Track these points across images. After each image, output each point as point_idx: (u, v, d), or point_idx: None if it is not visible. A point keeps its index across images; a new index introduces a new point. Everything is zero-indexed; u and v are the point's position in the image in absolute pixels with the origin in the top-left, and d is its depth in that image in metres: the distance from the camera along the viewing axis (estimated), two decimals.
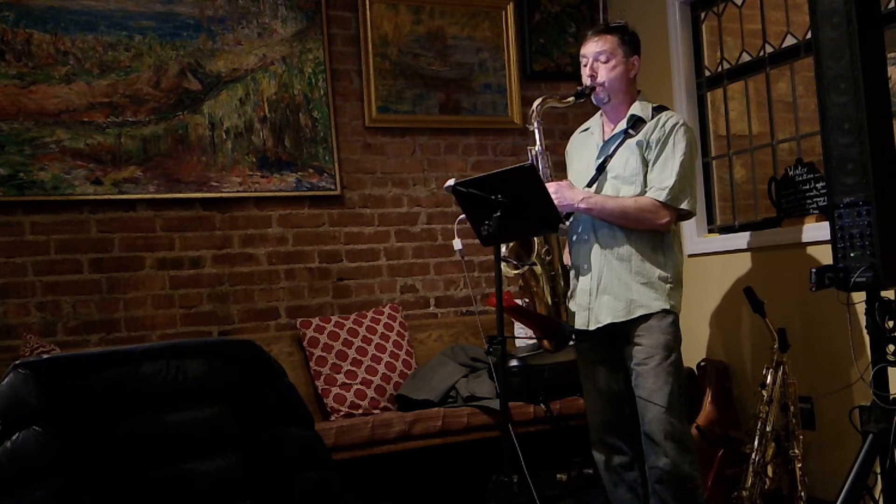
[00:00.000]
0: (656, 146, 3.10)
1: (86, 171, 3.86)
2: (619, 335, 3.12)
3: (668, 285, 3.10)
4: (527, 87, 4.78)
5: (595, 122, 3.34)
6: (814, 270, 2.83)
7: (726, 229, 4.25)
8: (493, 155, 4.69)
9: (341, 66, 4.39)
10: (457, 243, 3.28)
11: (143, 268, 3.96)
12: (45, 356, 2.47)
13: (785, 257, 3.80)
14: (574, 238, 3.23)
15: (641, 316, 3.07)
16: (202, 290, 4.06)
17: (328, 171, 4.30)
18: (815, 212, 3.72)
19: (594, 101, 3.22)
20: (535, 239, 3.12)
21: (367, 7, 4.41)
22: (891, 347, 2.79)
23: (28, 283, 3.76)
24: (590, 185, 3.18)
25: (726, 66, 4.29)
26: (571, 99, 3.19)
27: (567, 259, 3.27)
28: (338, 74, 4.37)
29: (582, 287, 3.17)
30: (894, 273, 2.75)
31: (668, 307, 3.09)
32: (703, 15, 4.41)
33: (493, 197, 2.86)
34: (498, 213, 2.83)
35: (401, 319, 4.23)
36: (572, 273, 3.23)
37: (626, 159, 3.13)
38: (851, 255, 2.77)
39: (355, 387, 3.91)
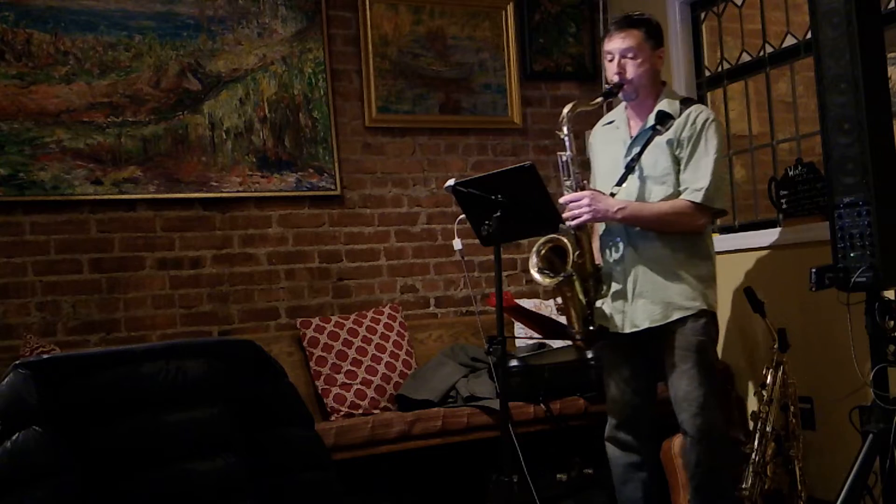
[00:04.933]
0: (688, 144, 3.04)
1: (86, 171, 3.86)
2: (653, 337, 3.09)
3: (704, 284, 3.07)
4: (527, 87, 4.78)
5: (619, 115, 3.27)
6: (814, 270, 2.83)
7: (726, 229, 4.25)
8: (493, 155, 4.69)
9: (341, 66, 4.39)
10: (457, 243, 3.28)
11: (143, 268, 3.96)
12: (45, 356, 2.47)
13: (785, 257, 3.80)
14: (607, 241, 3.19)
15: (677, 319, 3.04)
16: (202, 290, 4.06)
17: (328, 171, 4.30)
18: (814, 212, 3.72)
19: (621, 98, 3.17)
20: (569, 244, 3.05)
21: (367, 7, 4.40)
22: (891, 347, 2.79)
23: (28, 283, 3.76)
24: (619, 184, 3.11)
25: (726, 66, 4.29)
26: (600, 99, 3.14)
27: (598, 259, 3.23)
28: (338, 74, 4.37)
29: (617, 290, 3.12)
30: (894, 273, 2.75)
31: (704, 307, 3.06)
32: (703, 15, 4.41)
33: (493, 197, 2.86)
34: (498, 213, 2.83)
35: (401, 319, 4.22)
36: (605, 275, 3.17)
37: (655, 158, 3.08)
38: (851, 255, 2.77)
39: (355, 387, 3.91)
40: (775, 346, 3.55)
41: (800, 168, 3.79)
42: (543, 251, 3.11)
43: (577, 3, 4.89)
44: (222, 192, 4.10)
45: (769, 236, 3.91)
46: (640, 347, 3.15)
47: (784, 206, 3.86)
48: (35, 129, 3.79)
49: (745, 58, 4.19)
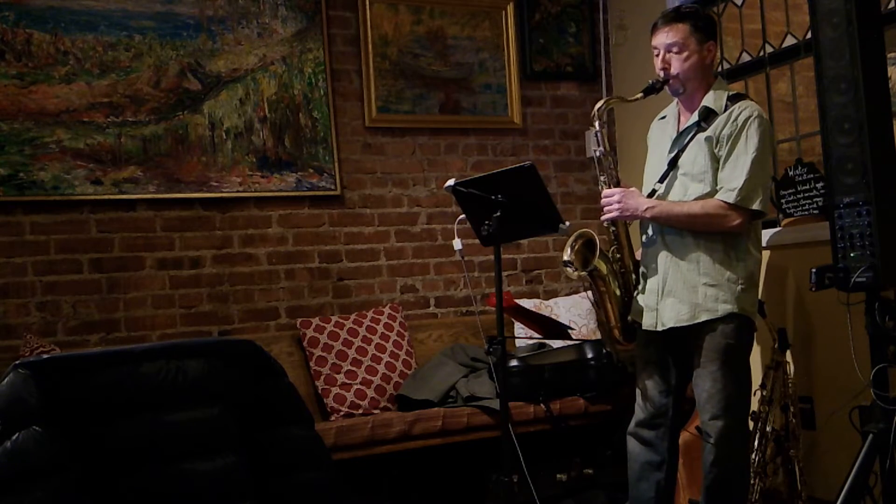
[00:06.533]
0: (727, 142, 2.98)
1: (86, 171, 3.86)
2: (683, 337, 3.06)
3: (739, 287, 2.99)
4: (527, 87, 4.78)
5: (671, 110, 3.24)
6: (814, 270, 2.83)
7: None
8: (493, 155, 4.69)
9: (341, 66, 4.39)
10: (457, 243, 3.27)
11: (143, 268, 3.96)
12: (45, 356, 2.47)
13: (785, 257, 3.80)
14: (643, 238, 3.18)
15: (706, 321, 3.00)
16: (202, 290, 4.06)
17: (328, 171, 4.30)
18: (815, 212, 3.72)
19: (669, 93, 3.12)
20: (597, 239, 3.02)
21: (367, 7, 4.40)
22: (891, 347, 2.79)
23: (28, 283, 3.76)
24: (661, 180, 3.10)
25: (726, 66, 4.29)
26: (640, 95, 3.09)
27: (638, 255, 3.21)
28: (338, 74, 4.37)
29: (650, 287, 3.10)
30: (894, 273, 2.75)
31: (735, 310, 2.98)
32: None
33: (493, 197, 2.87)
34: (498, 213, 2.83)
35: (401, 319, 4.22)
36: (641, 271, 3.16)
37: (695, 156, 3.03)
38: (851, 255, 2.77)
39: (355, 387, 3.91)
40: (775, 346, 3.55)
41: (800, 168, 3.79)
42: (577, 246, 3.09)
43: (577, 3, 4.89)
44: (222, 192, 4.10)
45: (769, 236, 3.91)
46: (672, 346, 3.11)
47: (784, 206, 3.86)
48: (35, 129, 3.79)
49: (745, 58, 4.19)
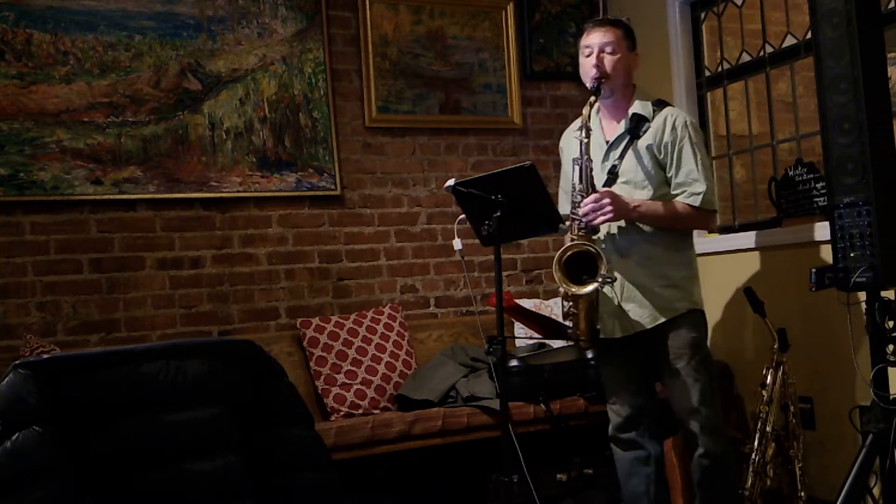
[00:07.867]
0: (672, 149, 3.07)
1: (86, 171, 3.86)
2: (646, 339, 3.12)
3: (690, 283, 3.13)
4: (527, 87, 4.78)
5: (592, 119, 3.20)
6: (814, 270, 2.83)
7: (726, 229, 4.25)
8: (493, 155, 4.69)
9: (341, 66, 4.38)
10: (457, 243, 3.27)
11: (143, 268, 3.96)
12: (45, 356, 2.47)
13: (785, 257, 3.80)
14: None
15: (669, 320, 3.08)
16: (202, 290, 4.06)
17: (328, 171, 4.30)
18: (814, 212, 3.72)
19: (599, 96, 3.10)
20: (592, 249, 2.94)
21: (367, 7, 4.40)
22: (891, 347, 2.79)
23: (28, 283, 3.76)
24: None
25: (726, 66, 4.29)
26: (592, 98, 3.04)
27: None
28: (338, 74, 4.37)
29: (606, 296, 3.13)
30: (894, 273, 2.75)
31: (691, 306, 3.11)
32: (703, 15, 4.41)
33: (493, 197, 2.86)
34: (498, 213, 2.83)
35: (401, 319, 4.22)
36: None
37: (635, 164, 3.10)
38: (851, 255, 2.78)
39: (355, 387, 3.91)
40: (775, 346, 3.56)
41: (800, 168, 3.79)
42: (560, 266, 2.97)
43: (577, 3, 4.89)
44: (222, 192, 4.10)
45: (769, 236, 3.91)
46: (634, 349, 3.17)
47: (784, 206, 3.86)
48: (35, 129, 3.79)
49: (745, 58, 4.19)
